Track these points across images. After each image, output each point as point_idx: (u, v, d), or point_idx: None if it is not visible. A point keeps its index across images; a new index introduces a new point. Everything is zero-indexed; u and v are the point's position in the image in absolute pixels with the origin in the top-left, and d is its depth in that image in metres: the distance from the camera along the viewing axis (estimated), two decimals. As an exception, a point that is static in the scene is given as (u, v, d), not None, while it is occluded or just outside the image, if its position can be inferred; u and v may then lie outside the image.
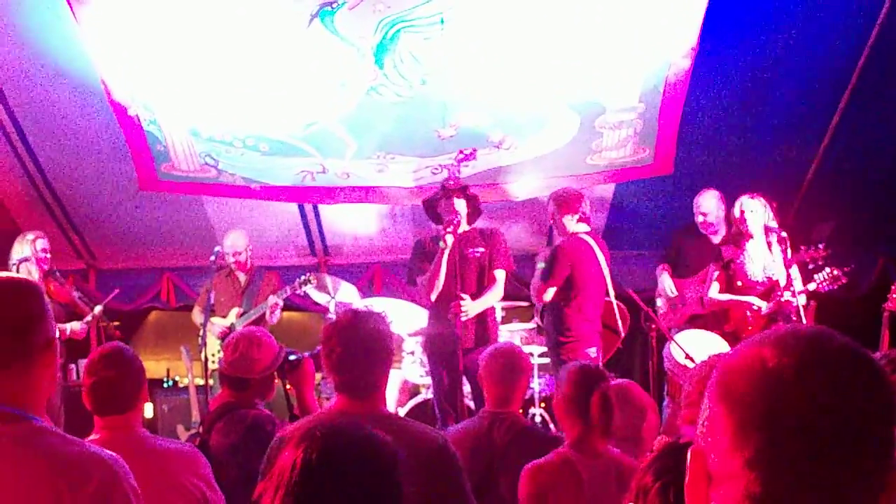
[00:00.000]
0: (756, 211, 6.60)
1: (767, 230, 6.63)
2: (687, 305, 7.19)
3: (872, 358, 1.14)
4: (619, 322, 6.81)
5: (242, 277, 7.83)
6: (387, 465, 1.90)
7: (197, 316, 7.78)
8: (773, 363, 1.10)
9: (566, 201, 6.79)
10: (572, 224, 6.73)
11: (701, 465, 1.15)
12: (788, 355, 1.10)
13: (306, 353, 4.37)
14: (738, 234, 6.75)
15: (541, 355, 7.74)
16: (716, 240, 7.26)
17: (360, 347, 3.08)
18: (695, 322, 7.03)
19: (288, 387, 4.42)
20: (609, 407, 3.60)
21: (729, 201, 7.07)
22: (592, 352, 6.50)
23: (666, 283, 7.43)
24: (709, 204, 7.24)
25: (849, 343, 1.14)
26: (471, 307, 6.26)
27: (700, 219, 7.26)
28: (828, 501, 1.07)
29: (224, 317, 7.68)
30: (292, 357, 4.30)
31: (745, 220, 6.63)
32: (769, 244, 6.62)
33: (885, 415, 1.10)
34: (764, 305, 6.59)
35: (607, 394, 3.62)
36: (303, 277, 7.53)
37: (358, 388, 3.10)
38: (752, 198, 6.62)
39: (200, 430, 4.26)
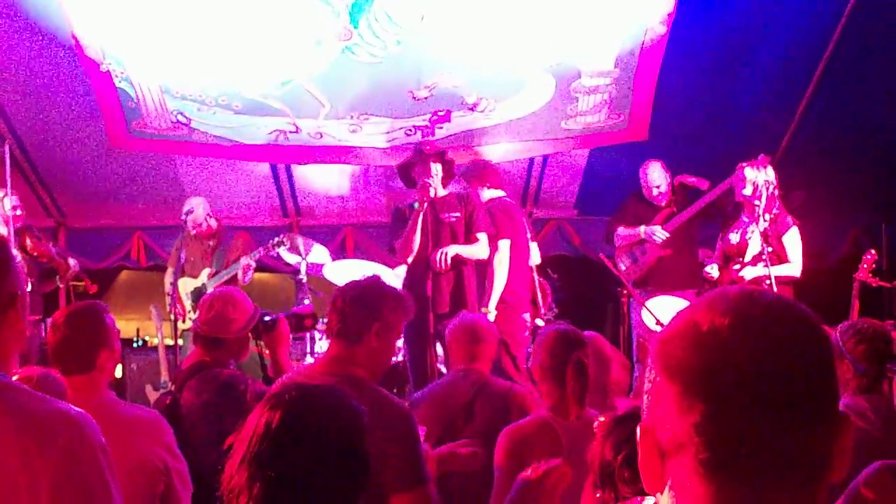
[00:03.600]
0: (745, 179, 6.56)
1: (758, 199, 6.51)
2: (648, 253, 7.18)
3: (805, 311, 1.14)
4: (539, 295, 6.83)
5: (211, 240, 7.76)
6: (352, 433, 1.89)
7: (169, 277, 7.69)
8: (707, 325, 1.10)
9: (477, 175, 6.88)
10: (487, 193, 6.80)
11: (651, 440, 1.14)
12: (721, 316, 1.10)
13: (281, 314, 4.39)
14: (735, 203, 6.73)
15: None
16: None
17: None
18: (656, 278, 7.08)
19: (255, 346, 4.42)
20: (584, 375, 3.57)
21: (701, 169, 7.09)
22: (527, 317, 6.54)
23: (640, 229, 7.25)
24: (658, 175, 7.33)
25: (779, 298, 1.15)
26: (450, 249, 6.19)
27: (654, 192, 7.34)
28: (778, 457, 1.06)
29: (195, 277, 7.62)
30: (267, 318, 4.30)
31: (736, 189, 6.60)
32: (758, 215, 6.54)
33: (823, 366, 1.11)
34: (715, 272, 6.63)
35: (582, 361, 3.58)
36: (276, 239, 7.42)
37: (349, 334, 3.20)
38: (748, 166, 6.56)
39: (172, 388, 4.25)
